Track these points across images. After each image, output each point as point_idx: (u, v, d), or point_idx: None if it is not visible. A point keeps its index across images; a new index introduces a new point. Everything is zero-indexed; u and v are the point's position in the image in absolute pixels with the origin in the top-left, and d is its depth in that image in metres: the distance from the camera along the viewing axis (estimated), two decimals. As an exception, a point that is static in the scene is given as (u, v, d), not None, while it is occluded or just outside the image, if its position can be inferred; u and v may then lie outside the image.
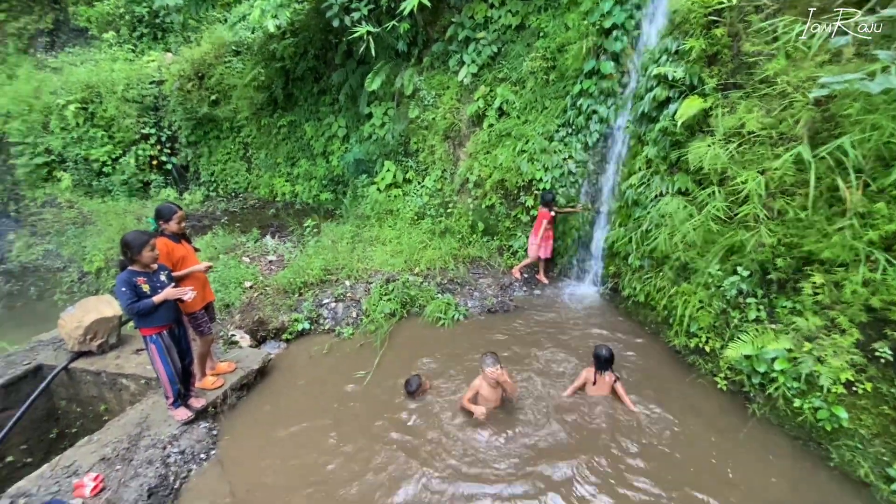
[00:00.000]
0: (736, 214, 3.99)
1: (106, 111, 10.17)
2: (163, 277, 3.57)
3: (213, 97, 10.31)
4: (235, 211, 9.92)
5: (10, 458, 4.63)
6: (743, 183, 3.82)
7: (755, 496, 3.22)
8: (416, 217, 7.58)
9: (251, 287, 5.93)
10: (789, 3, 3.80)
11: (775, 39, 3.73)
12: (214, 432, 3.97)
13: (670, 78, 4.53)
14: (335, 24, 7.38)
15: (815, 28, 3.37)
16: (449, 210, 7.40)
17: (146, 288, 3.45)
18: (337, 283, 6.07)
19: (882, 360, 3.14)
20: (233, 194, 10.87)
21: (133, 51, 11.89)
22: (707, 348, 4.33)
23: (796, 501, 3.18)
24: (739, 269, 4.05)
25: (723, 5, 4.20)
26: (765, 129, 3.77)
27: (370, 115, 8.85)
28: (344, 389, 4.50)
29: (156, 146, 10.71)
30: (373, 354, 4.99)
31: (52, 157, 10.16)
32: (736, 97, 4.12)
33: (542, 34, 6.31)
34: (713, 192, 4.12)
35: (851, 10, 3.11)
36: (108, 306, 4.85)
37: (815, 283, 3.50)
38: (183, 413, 3.89)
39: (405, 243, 6.87)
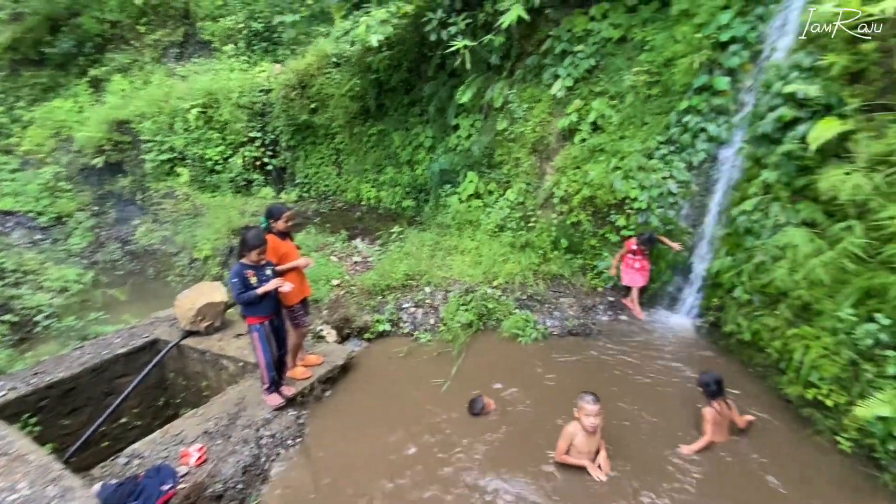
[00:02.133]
0: (878, 253, 3.48)
1: (221, 115, 11.34)
2: (268, 272, 3.87)
3: (312, 105, 11.10)
4: (325, 212, 10.54)
5: (124, 419, 5.24)
6: (889, 218, 3.33)
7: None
8: (496, 229, 7.53)
9: (338, 285, 6.23)
10: (966, 14, 3.28)
11: (945, 55, 3.23)
12: (301, 421, 4.18)
13: (800, 96, 4.09)
14: (432, 38, 7.63)
15: None
16: (530, 224, 7.28)
17: (254, 280, 3.75)
18: (417, 288, 6.19)
19: None
20: (323, 196, 11.57)
21: (248, 62, 13.16)
22: (829, 402, 3.80)
23: None
24: (879, 315, 3.51)
25: (873, 18, 3.73)
26: (924, 157, 3.26)
27: (457, 127, 9.01)
28: (421, 394, 4.56)
29: (260, 148, 11.73)
30: (449, 363, 5.00)
31: (175, 154, 11.48)
32: (885, 120, 3.62)
33: (646, 47, 6.03)
34: (850, 226, 3.63)
35: None
36: (217, 292, 5.34)
37: None
38: (276, 399, 4.14)
39: (484, 255, 6.85)
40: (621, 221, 6.08)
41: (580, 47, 6.79)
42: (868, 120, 3.75)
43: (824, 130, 3.76)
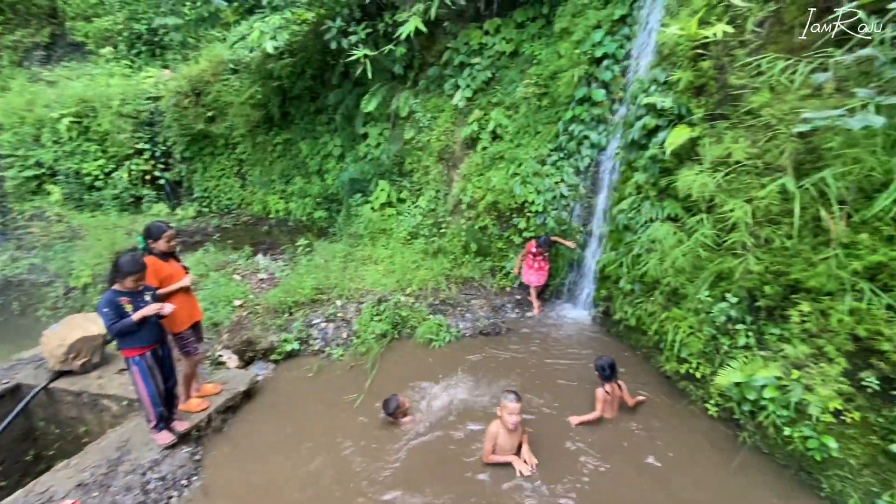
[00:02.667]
0: (724, 241, 4.05)
1: (100, 125, 10.17)
2: (147, 297, 3.53)
3: (209, 114, 10.37)
4: (228, 227, 9.87)
5: (-17, 481, 4.47)
6: (730, 211, 3.89)
7: (747, 527, 3.19)
8: (409, 237, 7.59)
9: (241, 305, 5.87)
10: (772, 40, 3.95)
11: (759, 73, 3.86)
12: (198, 457, 3.86)
13: (659, 107, 4.65)
14: (333, 46, 7.52)
15: (797, 64, 3.49)
16: (442, 230, 7.43)
17: (129, 308, 3.41)
18: (328, 302, 6.02)
19: (869, 390, 3.16)
20: (225, 210, 10.84)
21: (130, 66, 11.97)
22: (697, 374, 4.33)
23: (788, 533, 3.16)
24: (728, 295, 4.09)
25: (708, 40, 4.34)
26: (750, 158, 3.86)
27: (366, 136, 8.95)
28: (332, 414, 4.42)
29: (149, 161, 10.69)
30: (363, 377, 4.93)
31: (43, 169, 10.08)
32: (722, 127, 4.22)
33: (535, 61, 6.47)
34: (702, 219, 4.19)
35: (831, 48, 3.24)
36: (93, 324, 4.76)
37: (802, 311, 3.54)
38: (165, 437, 3.79)
39: (398, 263, 6.86)
40: (522, 224, 6.44)
41: (477, 60, 7.10)
42: (711, 127, 4.36)
43: (677, 137, 4.31)
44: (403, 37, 6.69)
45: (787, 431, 3.54)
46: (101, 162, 10.19)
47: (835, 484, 3.33)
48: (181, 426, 3.91)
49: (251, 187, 10.73)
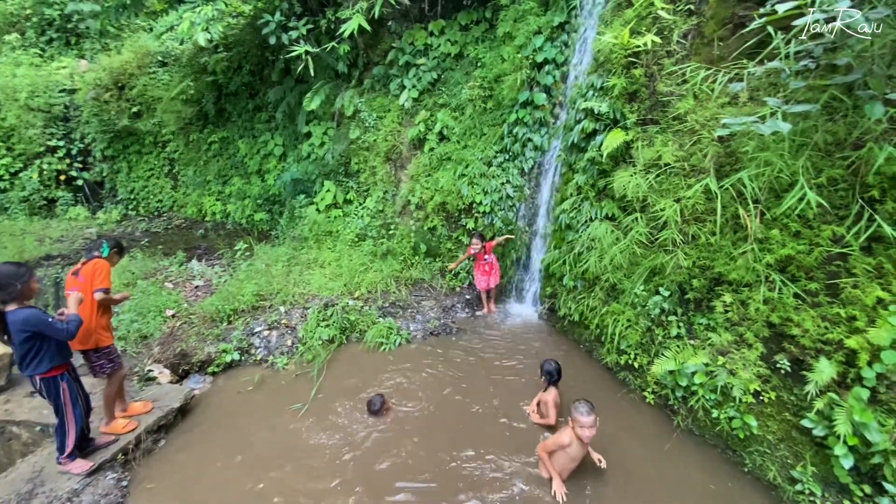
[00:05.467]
0: (657, 239, 4.31)
1: (5, 120, 9.12)
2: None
3: (134, 109, 9.61)
4: (158, 231, 9.19)
5: None
6: (661, 210, 4.14)
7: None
8: (356, 239, 7.44)
9: (174, 316, 5.46)
10: (695, 51, 4.25)
11: (684, 82, 4.15)
12: (125, 483, 3.54)
13: (596, 112, 4.86)
14: (272, 41, 7.21)
15: (716, 74, 3.77)
16: (391, 231, 7.35)
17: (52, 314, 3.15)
18: (271, 309, 5.76)
19: (782, 371, 3.48)
20: (155, 213, 10.08)
21: (41, 55, 10.83)
22: (636, 364, 4.58)
23: (717, 508, 3.41)
24: (661, 289, 4.35)
25: (639, 49, 4.61)
26: (678, 161, 4.13)
27: (309, 135, 8.67)
28: (276, 427, 4.21)
29: (64, 160, 9.73)
30: (310, 385, 4.74)
31: (-68, 169, 8.90)
32: (653, 132, 4.49)
33: (479, 64, 6.56)
34: (636, 218, 4.43)
35: (746, 60, 3.53)
36: (-5, 343, 4.23)
37: (725, 301, 3.83)
38: (81, 465, 3.43)
39: (345, 266, 6.70)
40: (471, 224, 6.51)
41: (422, 60, 7.09)
42: (643, 131, 4.63)
43: (613, 140, 4.53)
44: (347, 34, 6.54)
45: (714, 413, 3.82)
46: (6, 161, 9.14)
47: (756, 459, 3.63)
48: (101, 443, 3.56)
49: (184, 188, 10.06)
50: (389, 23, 7.28)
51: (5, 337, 3.03)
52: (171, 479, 3.63)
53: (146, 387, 4.48)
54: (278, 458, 3.83)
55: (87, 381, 4.32)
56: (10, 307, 2.97)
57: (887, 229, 2.86)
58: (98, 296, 3.48)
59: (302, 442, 4.01)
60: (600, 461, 3.63)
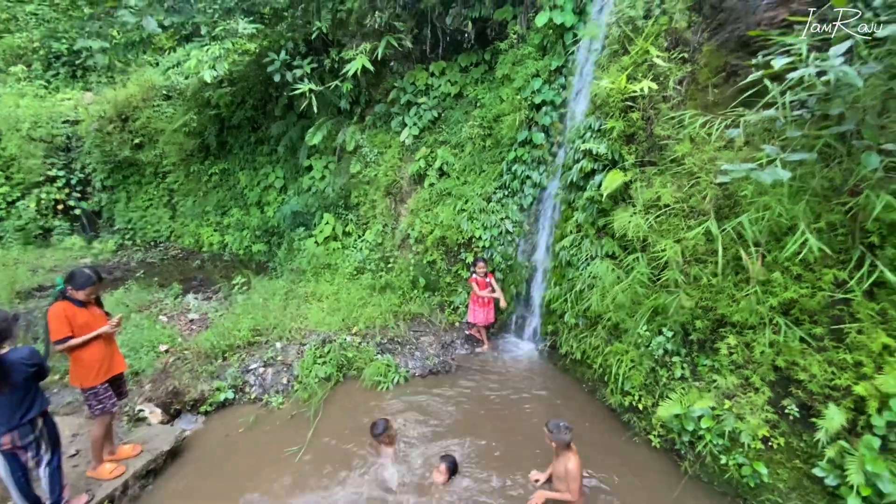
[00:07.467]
0: (658, 279, 4.32)
1: (5, 149, 9.17)
2: None
3: (136, 140, 9.72)
4: (154, 262, 9.11)
5: None
6: (662, 250, 4.17)
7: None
8: (355, 272, 7.40)
9: (167, 351, 5.33)
10: (690, 96, 4.40)
11: (681, 126, 4.26)
12: (108, 534, 3.36)
13: (595, 152, 4.97)
14: (276, 78, 7.39)
15: (713, 120, 3.89)
16: (390, 265, 7.33)
17: None
18: (267, 345, 5.64)
19: (791, 417, 3.43)
20: (152, 244, 10.03)
21: (45, 87, 11.01)
22: (640, 406, 4.49)
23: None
24: (664, 329, 4.32)
25: (636, 94, 4.76)
26: (677, 202, 4.19)
27: (310, 168, 8.77)
28: (271, 470, 4.05)
29: (63, 189, 9.74)
30: (305, 426, 4.60)
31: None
32: (651, 173, 4.58)
33: (479, 104, 6.73)
34: (637, 258, 4.45)
35: (740, 108, 3.65)
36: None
37: (729, 343, 3.81)
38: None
39: (343, 300, 6.63)
40: (470, 259, 6.51)
41: (423, 100, 7.28)
42: (641, 172, 4.72)
43: (612, 181, 4.61)
44: (350, 74, 6.74)
45: (723, 459, 3.72)
46: (3, 189, 9.12)
47: (767, 509, 3.52)
48: (80, 501, 3.37)
49: (182, 218, 10.06)
50: (392, 63, 7.50)
51: None
52: (157, 529, 3.45)
53: (135, 427, 4.32)
54: (268, 499, 3.65)
55: (76, 422, 4.18)
56: (3, 349, 2.89)
57: (890, 277, 2.88)
58: (57, 349, 3.36)
59: (297, 486, 3.85)
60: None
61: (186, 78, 9.50)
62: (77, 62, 11.38)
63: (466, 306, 6.38)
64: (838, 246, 3.27)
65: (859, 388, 3.02)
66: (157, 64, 11.22)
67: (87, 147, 9.80)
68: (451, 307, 6.77)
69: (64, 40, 11.29)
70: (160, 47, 10.70)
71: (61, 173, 9.74)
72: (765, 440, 3.53)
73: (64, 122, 9.88)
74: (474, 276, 5.98)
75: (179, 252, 9.65)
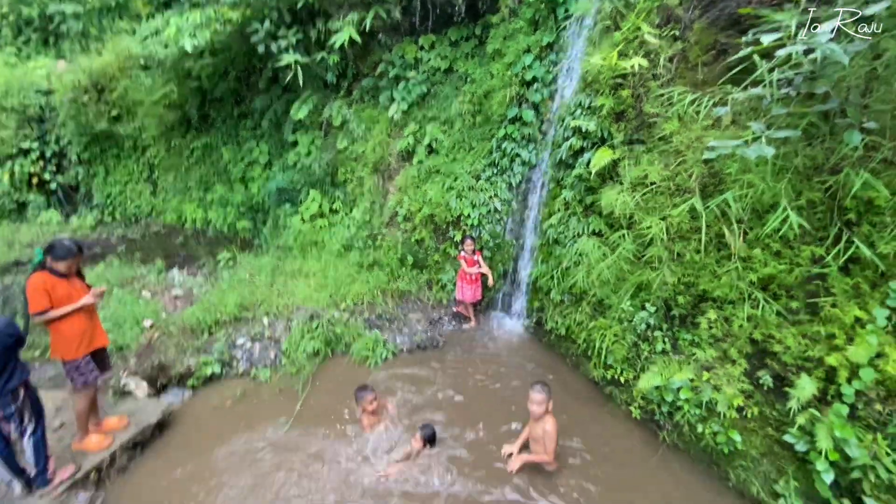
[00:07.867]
0: (643, 255, 4.39)
1: (-27, 120, 8.78)
2: None
3: (113, 112, 9.37)
4: (135, 238, 8.92)
5: None
6: (648, 227, 4.23)
7: (668, 522, 3.42)
8: (342, 249, 7.36)
9: (151, 326, 5.28)
10: (680, 74, 4.40)
11: (670, 104, 4.27)
12: (99, 502, 3.37)
13: (584, 130, 4.97)
14: (260, 49, 7.17)
15: (701, 98, 3.91)
16: (378, 243, 7.30)
17: None
18: (254, 320, 5.62)
19: (765, 387, 3.57)
20: (133, 219, 9.80)
21: (17, 55, 10.49)
22: (622, 379, 4.62)
23: (703, 523, 3.43)
24: (647, 304, 4.43)
25: (627, 71, 4.74)
26: (664, 180, 4.24)
27: (295, 143, 8.59)
28: (259, 441, 4.09)
29: (38, 162, 9.39)
30: (293, 400, 4.63)
31: None
32: (639, 151, 4.61)
33: (469, 79, 6.64)
34: (623, 235, 4.51)
35: (729, 85, 3.67)
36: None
37: (709, 318, 3.92)
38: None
39: (331, 277, 6.61)
40: (458, 237, 6.51)
41: (412, 74, 7.14)
42: (630, 150, 4.75)
43: (600, 158, 4.63)
44: (337, 46, 6.56)
45: (699, 428, 3.87)
46: (-27, 162, 8.77)
47: (739, 474, 3.69)
48: (66, 472, 3.37)
49: (164, 194, 9.83)
50: (380, 36, 7.32)
51: None
52: (145, 498, 3.47)
53: (121, 401, 4.30)
54: (259, 476, 3.71)
55: (60, 396, 4.14)
56: None
57: (865, 251, 2.98)
58: (36, 321, 3.32)
59: (284, 460, 3.90)
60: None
61: (166, 47, 9.11)
62: (49, 28, 10.82)
63: (454, 284, 6.42)
64: (817, 223, 3.37)
65: (831, 359, 3.15)
66: (135, 32, 10.74)
67: (62, 118, 9.43)
68: (439, 284, 6.80)
69: (35, 4, 10.72)
70: (137, 14, 10.20)
71: (35, 145, 9.38)
72: (739, 409, 3.68)
73: (37, 92, 9.46)
74: (462, 253, 6.01)
75: (161, 228, 9.46)
